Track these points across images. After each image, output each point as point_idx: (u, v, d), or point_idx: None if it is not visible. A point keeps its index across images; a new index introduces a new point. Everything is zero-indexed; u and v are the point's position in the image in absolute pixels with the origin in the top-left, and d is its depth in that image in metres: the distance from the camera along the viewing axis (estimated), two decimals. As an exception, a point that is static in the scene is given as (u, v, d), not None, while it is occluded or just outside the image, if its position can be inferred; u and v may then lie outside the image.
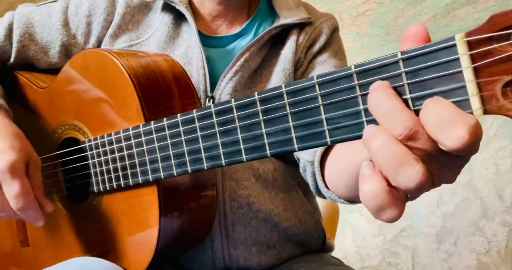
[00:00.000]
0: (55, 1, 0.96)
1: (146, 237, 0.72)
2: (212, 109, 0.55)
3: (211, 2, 0.93)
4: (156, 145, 0.64)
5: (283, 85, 0.47)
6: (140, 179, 0.69)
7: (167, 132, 0.62)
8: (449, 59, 0.37)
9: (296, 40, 0.92)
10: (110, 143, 0.72)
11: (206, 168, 0.58)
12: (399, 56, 0.39)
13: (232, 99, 0.52)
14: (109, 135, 0.72)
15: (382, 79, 0.40)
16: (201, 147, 0.57)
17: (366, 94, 0.41)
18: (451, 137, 0.35)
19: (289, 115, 0.47)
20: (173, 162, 0.62)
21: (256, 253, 0.88)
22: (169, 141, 0.62)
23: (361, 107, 0.42)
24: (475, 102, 0.36)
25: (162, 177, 0.65)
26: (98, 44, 0.93)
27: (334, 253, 1.08)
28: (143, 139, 0.66)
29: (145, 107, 0.70)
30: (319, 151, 0.74)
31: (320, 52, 0.94)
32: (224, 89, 0.87)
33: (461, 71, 0.37)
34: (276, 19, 0.93)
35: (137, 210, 0.73)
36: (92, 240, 0.80)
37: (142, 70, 0.73)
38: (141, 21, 0.94)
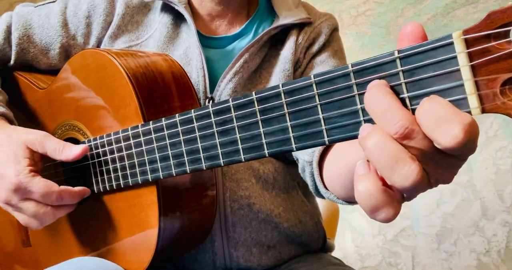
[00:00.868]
0: (54, 1, 0.95)
1: (146, 237, 0.72)
2: (210, 109, 0.54)
3: (210, 2, 0.93)
4: (155, 145, 0.64)
5: (280, 85, 0.47)
6: (139, 179, 0.68)
7: (165, 132, 0.62)
8: (446, 58, 0.37)
9: (295, 40, 0.92)
10: (110, 143, 0.72)
11: (205, 168, 0.58)
12: (396, 54, 0.39)
13: (230, 99, 0.52)
14: (108, 135, 0.72)
15: (379, 78, 0.40)
16: (200, 146, 0.57)
17: (364, 93, 0.41)
18: (446, 135, 0.35)
19: (287, 115, 0.47)
20: (172, 162, 0.62)
21: (257, 254, 0.88)
22: (167, 141, 0.62)
23: (359, 106, 0.42)
24: (473, 101, 0.36)
25: (161, 177, 0.65)
26: (98, 44, 0.93)
27: (334, 253, 1.08)
28: (142, 139, 0.66)
29: (143, 108, 0.70)
30: (318, 151, 0.74)
31: (319, 52, 0.94)
32: (224, 90, 0.86)
33: (458, 70, 0.36)
34: (275, 19, 0.93)
35: (136, 210, 0.73)
36: (93, 240, 0.80)
37: (141, 70, 0.73)
38: (141, 22, 0.93)
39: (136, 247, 0.74)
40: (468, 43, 0.36)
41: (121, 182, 0.71)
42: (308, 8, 1.00)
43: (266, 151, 0.50)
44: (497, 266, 1.76)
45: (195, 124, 0.57)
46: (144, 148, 0.66)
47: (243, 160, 0.53)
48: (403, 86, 0.39)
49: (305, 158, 0.79)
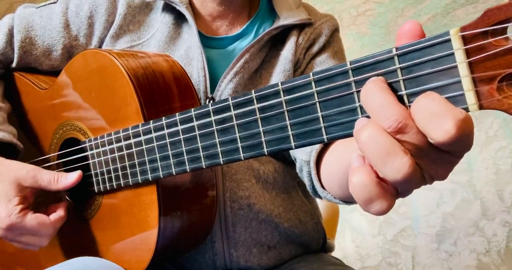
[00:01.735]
0: (55, 2, 0.95)
1: (146, 236, 0.72)
2: (210, 108, 0.55)
3: (212, 2, 0.93)
4: (155, 144, 0.65)
5: (279, 83, 0.47)
6: (139, 178, 0.69)
7: (165, 131, 0.62)
8: (444, 54, 0.37)
9: (295, 41, 0.92)
10: (110, 143, 0.72)
11: (204, 167, 0.58)
12: (394, 52, 0.39)
13: (230, 98, 0.52)
14: (109, 135, 0.72)
15: (378, 75, 0.41)
16: (199, 145, 0.57)
17: None
18: (438, 129, 0.36)
19: (286, 113, 0.47)
20: (172, 161, 0.62)
21: (257, 254, 0.88)
22: (167, 140, 0.62)
23: (357, 104, 0.42)
24: (470, 97, 0.36)
25: (161, 176, 0.65)
26: (100, 45, 0.93)
27: (334, 253, 1.09)
28: (142, 138, 0.66)
29: (144, 108, 0.70)
30: (315, 150, 0.74)
31: (319, 53, 0.94)
32: (224, 91, 0.87)
33: (456, 66, 0.37)
34: (276, 20, 0.93)
35: (137, 210, 0.73)
36: (93, 239, 0.80)
37: (142, 71, 0.74)
38: (142, 22, 0.93)
39: (136, 247, 0.74)
40: (466, 40, 0.36)
41: (122, 181, 0.72)
42: (308, 9, 1.00)
43: (265, 149, 0.50)
44: (497, 266, 1.76)
45: (195, 123, 0.57)
46: (144, 147, 0.66)
47: (243, 158, 0.53)
48: (401, 83, 0.40)
49: (303, 157, 0.79)
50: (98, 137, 0.74)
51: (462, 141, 0.36)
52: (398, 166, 0.38)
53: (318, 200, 1.06)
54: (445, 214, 1.83)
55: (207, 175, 0.79)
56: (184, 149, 0.60)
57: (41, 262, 0.88)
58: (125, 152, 0.70)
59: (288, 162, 0.93)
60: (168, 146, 0.62)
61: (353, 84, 0.42)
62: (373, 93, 0.39)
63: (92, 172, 0.77)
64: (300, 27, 0.94)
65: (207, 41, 0.91)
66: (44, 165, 0.87)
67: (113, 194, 0.76)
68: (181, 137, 0.60)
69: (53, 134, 0.85)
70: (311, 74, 0.45)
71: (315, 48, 0.94)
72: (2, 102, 0.90)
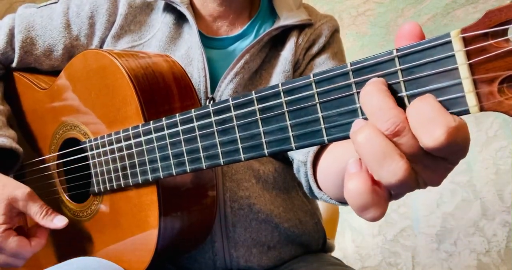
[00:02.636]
0: (56, 2, 0.95)
1: (146, 236, 0.72)
2: (210, 108, 0.55)
3: (212, 3, 0.93)
4: (155, 144, 0.65)
5: (280, 84, 0.47)
6: (139, 178, 0.69)
7: (166, 132, 0.62)
8: (444, 56, 0.37)
9: (295, 41, 0.92)
10: (110, 143, 0.72)
11: (204, 167, 0.58)
12: (395, 53, 0.39)
13: (230, 98, 0.52)
14: (109, 135, 0.72)
15: (378, 77, 0.41)
16: (200, 146, 0.57)
17: None
18: (428, 135, 0.36)
19: (286, 114, 0.47)
20: (172, 161, 0.62)
21: (257, 254, 0.88)
22: (168, 141, 0.62)
23: (358, 105, 0.42)
24: (471, 99, 0.36)
25: (161, 177, 0.65)
26: (101, 45, 0.93)
27: (334, 253, 1.09)
28: (142, 138, 0.66)
29: (144, 108, 0.70)
30: (312, 151, 0.74)
31: (318, 54, 0.94)
32: (225, 91, 0.87)
33: (456, 68, 0.37)
34: (276, 20, 0.93)
35: (137, 210, 0.73)
36: (93, 239, 0.80)
37: (142, 71, 0.74)
38: (143, 22, 0.93)
39: (136, 247, 0.74)
40: (466, 41, 0.36)
41: (122, 182, 0.72)
42: (309, 10, 1.00)
43: (265, 150, 0.50)
44: (497, 266, 1.76)
45: (195, 123, 0.57)
46: (144, 147, 0.66)
47: (243, 159, 0.53)
48: (402, 84, 0.39)
49: (300, 158, 0.79)
50: (98, 137, 0.74)
51: (453, 148, 0.36)
52: (394, 169, 0.38)
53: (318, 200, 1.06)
54: (445, 214, 1.83)
55: (208, 175, 0.79)
56: (184, 149, 0.60)
57: (41, 262, 0.88)
58: (125, 152, 0.70)
59: (288, 162, 0.93)
60: (168, 146, 0.62)
61: (353, 85, 0.42)
62: (372, 95, 0.39)
63: (92, 172, 0.77)
64: (300, 27, 0.94)
65: (208, 41, 0.91)
66: (44, 165, 0.87)
67: (113, 195, 0.76)
68: (181, 137, 0.60)
69: (53, 134, 0.85)
70: (311, 75, 0.45)
71: (315, 49, 0.94)
72: (2, 105, 0.90)
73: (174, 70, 0.78)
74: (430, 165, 0.39)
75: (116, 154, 0.71)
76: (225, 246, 0.87)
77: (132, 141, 0.68)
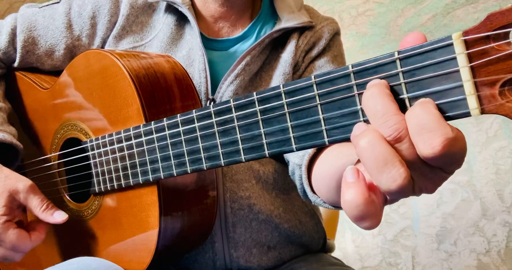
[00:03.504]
0: (58, 2, 0.95)
1: (147, 237, 0.72)
2: (212, 109, 0.55)
3: (214, 3, 0.92)
4: (156, 144, 0.65)
5: (281, 85, 0.47)
6: (140, 179, 0.69)
7: (167, 132, 0.62)
8: (446, 59, 0.37)
9: (296, 44, 0.92)
10: (111, 143, 0.72)
11: (205, 168, 0.58)
12: (396, 55, 0.39)
13: (231, 99, 0.52)
14: (110, 135, 0.72)
15: (379, 78, 0.41)
16: (201, 147, 0.58)
17: None
18: (425, 144, 0.36)
19: (287, 115, 0.47)
20: (172, 162, 0.62)
21: (257, 254, 0.88)
22: (169, 141, 0.62)
23: (359, 107, 0.42)
24: (472, 102, 0.36)
25: (162, 177, 0.65)
26: (102, 45, 0.93)
27: (334, 253, 1.09)
28: (143, 139, 0.67)
29: (145, 108, 0.70)
30: (308, 155, 0.73)
31: (318, 57, 0.94)
32: (225, 93, 0.87)
33: (458, 71, 0.37)
34: (277, 22, 0.93)
35: (137, 210, 0.73)
36: (93, 239, 0.80)
37: (144, 71, 0.74)
38: (145, 23, 0.93)
39: (136, 247, 0.74)
40: (468, 44, 0.36)
41: (122, 182, 0.72)
42: (310, 12, 0.99)
43: (266, 151, 0.50)
44: (497, 266, 1.76)
45: (196, 124, 0.57)
46: (145, 147, 0.66)
47: (244, 160, 0.53)
48: (403, 86, 0.40)
49: (296, 161, 0.79)
50: (99, 137, 0.74)
51: (449, 159, 0.36)
52: (394, 176, 0.38)
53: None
54: (445, 214, 1.82)
55: (208, 176, 0.79)
56: (185, 149, 0.60)
57: (41, 262, 0.88)
58: (126, 152, 0.70)
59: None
60: (169, 146, 0.62)
61: (354, 87, 0.42)
62: (376, 99, 0.39)
63: (93, 172, 0.77)
64: (301, 30, 0.93)
65: (209, 43, 0.92)
66: (45, 165, 0.87)
67: (114, 195, 0.76)
68: (182, 138, 0.60)
69: (54, 134, 0.85)
70: (312, 76, 0.45)
71: (314, 51, 0.94)
72: (4, 103, 0.90)
73: (176, 71, 0.78)
74: (426, 173, 0.39)
75: (117, 154, 0.72)
76: (225, 246, 0.87)
77: (133, 141, 0.68)
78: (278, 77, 0.90)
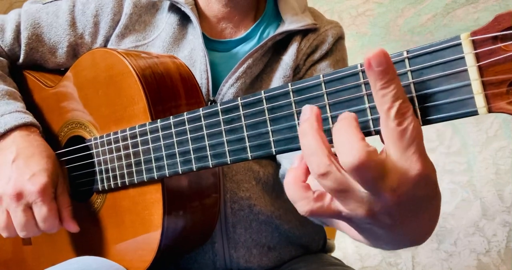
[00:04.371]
0: None
1: (149, 235, 0.72)
2: (219, 107, 0.55)
3: (217, 4, 0.92)
4: (162, 142, 0.65)
5: (289, 84, 0.48)
6: (145, 176, 0.69)
7: (173, 130, 0.63)
8: (454, 58, 0.38)
9: (297, 46, 0.91)
10: (116, 141, 0.72)
11: (211, 166, 0.58)
12: (405, 55, 0.40)
13: (239, 98, 0.53)
14: (115, 133, 0.72)
15: None
16: (207, 144, 0.58)
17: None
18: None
19: (295, 113, 0.48)
20: (178, 159, 0.63)
21: (257, 255, 0.88)
22: (175, 139, 0.63)
23: (367, 105, 0.43)
24: (479, 101, 0.37)
25: (167, 175, 0.65)
26: (105, 43, 0.93)
27: (334, 253, 1.09)
28: (149, 136, 0.67)
29: (151, 106, 0.71)
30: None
31: (320, 60, 0.93)
32: (226, 95, 0.86)
33: (466, 70, 0.37)
34: (281, 24, 0.93)
35: (140, 208, 0.73)
36: (95, 238, 0.80)
37: (150, 70, 0.74)
38: (148, 22, 0.93)
39: (138, 246, 0.74)
40: (476, 44, 0.37)
41: (126, 179, 0.72)
42: (314, 14, 0.99)
43: (273, 149, 0.51)
44: (497, 266, 1.76)
45: (203, 122, 0.58)
46: (151, 145, 0.67)
47: (250, 158, 0.53)
48: (411, 86, 0.40)
49: (287, 166, 0.79)
50: (104, 135, 0.75)
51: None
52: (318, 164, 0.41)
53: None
54: (445, 214, 1.83)
55: (212, 176, 0.79)
56: (191, 147, 0.60)
57: (41, 261, 0.88)
58: (131, 150, 0.70)
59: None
60: (175, 144, 0.63)
61: (363, 86, 0.43)
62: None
63: (97, 170, 0.77)
64: (304, 32, 0.93)
65: (211, 44, 0.91)
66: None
67: (117, 193, 0.76)
68: (189, 136, 0.60)
69: (58, 132, 0.85)
70: (321, 75, 0.45)
71: (317, 55, 0.93)
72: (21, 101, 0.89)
73: (181, 71, 0.79)
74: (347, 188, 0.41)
75: (122, 152, 0.72)
76: (225, 247, 0.87)
77: (139, 139, 0.68)
78: (278, 79, 0.90)
